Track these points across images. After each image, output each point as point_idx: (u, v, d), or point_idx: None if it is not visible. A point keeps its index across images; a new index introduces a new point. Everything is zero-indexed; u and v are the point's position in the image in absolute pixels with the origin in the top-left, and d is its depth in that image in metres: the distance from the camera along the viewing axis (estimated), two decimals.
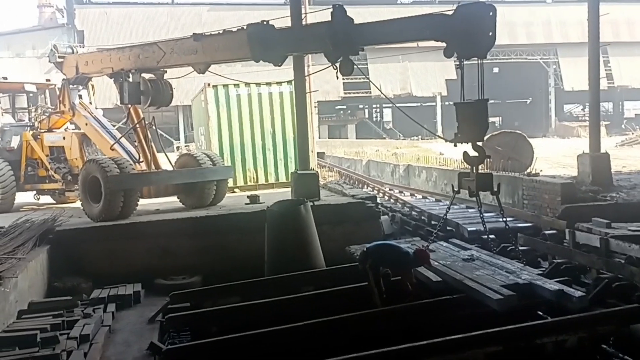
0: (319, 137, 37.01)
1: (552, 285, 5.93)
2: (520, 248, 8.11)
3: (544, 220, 10.84)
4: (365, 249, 6.60)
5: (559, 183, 11.09)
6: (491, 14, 6.56)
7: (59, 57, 11.16)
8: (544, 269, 7.47)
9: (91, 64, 10.70)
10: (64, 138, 11.96)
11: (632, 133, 33.27)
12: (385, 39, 7.92)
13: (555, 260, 7.72)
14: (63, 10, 45.77)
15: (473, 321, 5.67)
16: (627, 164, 17.85)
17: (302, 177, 10.63)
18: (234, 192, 13.38)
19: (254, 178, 14.08)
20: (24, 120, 13.16)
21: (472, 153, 6.94)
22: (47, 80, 13.50)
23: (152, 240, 9.19)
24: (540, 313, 6.14)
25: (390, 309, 6.17)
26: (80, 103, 11.60)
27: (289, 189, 11.24)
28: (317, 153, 22.06)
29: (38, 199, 13.22)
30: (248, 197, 11.11)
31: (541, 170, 14.42)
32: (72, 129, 12.36)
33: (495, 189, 6.97)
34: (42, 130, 12.26)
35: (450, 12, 6.88)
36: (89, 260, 8.85)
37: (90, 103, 11.89)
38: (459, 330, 5.16)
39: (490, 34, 6.59)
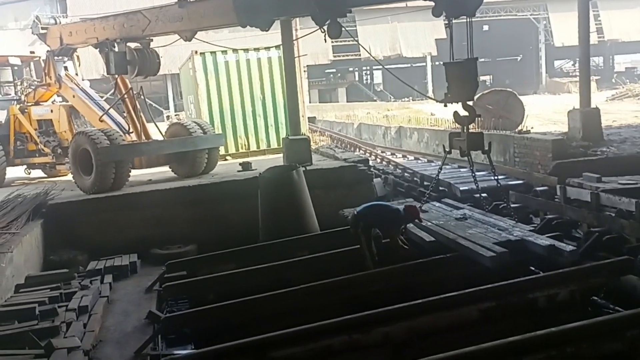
0: (310, 102, 36.78)
1: (543, 240, 6.01)
2: (512, 205, 8.19)
3: (536, 177, 10.92)
4: (355, 213, 6.63)
5: (550, 139, 11.14)
6: None
7: (42, 28, 10.96)
8: (535, 225, 7.56)
9: (75, 35, 10.52)
10: (51, 111, 11.84)
11: (623, 87, 33.18)
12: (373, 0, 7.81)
13: (546, 216, 7.81)
14: None
15: (467, 279, 5.76)
16: (618, 118, 17.89)
17: (293, 142, 10.61)
18: (226, 159, 13.36)
19: (245, 145, 14.05)
20: (9, 94, 12.99)
21: (463, 113, 6.94)
22: (32, 52, 13.29)
23: (146, 210, 9.19)
24: (533, 268, 6.24)
25: (384, 270, 6.25)
26: (66, 75, 11.45)
27: (281, 155, 11.23)
28: (308, 118, 21.94)
29: (29, 173, 13.17)
30: (240, 164, 11.10)
31: (532, 128, 14.45)
32: (60, 102, 12.23)
33: (487, 148, 7.00)
34: (29, 104, 12.13)
35: None
36: (84, 233, 8.87)
37: (77, 74, 11.75)
38: (453, 288, 5.24)
39: None
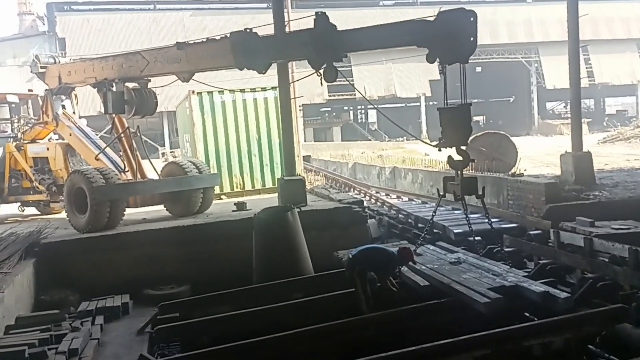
0: (305, 140, 37.08)
1: (538, 287, 6.02)
2: (506, 249, 8.21)
3: (529, 220, 10.96)
4: (350, 256, 6.63)
5: (543, 183, 11.22)
6: (472, 19, 6.62)
7: (41, 67, 11.08)
8: (529, 269, 7.55)
9: (74, 74, 10.64)
10: (47, 149, 11.87)
11: (614, 130, 33.58)
12: (368, 45, 7.97)
13: (540, 261, 7.81)
14: (44, 17, 45.33)
15: (461, 324, 5.73)
16: (609, 162, 18.07)
17: (288, 183, 10.65)
18: (221, 198, 13.36)
19: (240, 184, 14.07)
20: (6, 132, 13.04)
21: (457, 157, 7.01)
22: (30, 90, 13.39)
23: (140, 250, 9.14)
24: (527, 314, 6.22)
25: (379, 315, 6.21)
26: (63, 113, 11.52)
27: (276, 194, 11.25)
28: (303, 156, 22.11)
29: (22, 211, 13.11)
30: (235, 204, 11.10)
31: (525, 170, 14.58)
32: (56, 140, 12.27)
33: (480, 193, 7.05)
34: (26, 141, 12.16)
35: (431, 17, 6.96)
36: (76, 272, 8.79)
37: (74, 113, 11.81)
38: (447, 334, 5.21)
39: (472, 39, 6.65)
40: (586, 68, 43.84)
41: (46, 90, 11.33)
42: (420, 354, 4.94)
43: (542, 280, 6.41)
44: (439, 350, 4.97)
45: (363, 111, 55.32)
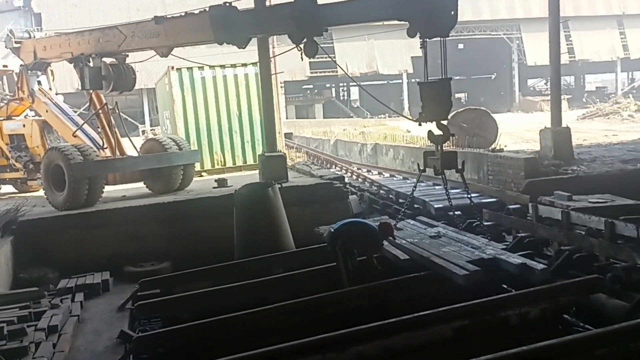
0: (287, 118, 36.92)
1: (515, 259, 6.09)
2: (485, 223, 8.29)
3: (508, 195, 11.08)
4: (332, 230, 6.64)
5: (522, 158, 11.32)
6: None
7: (16, 42, 10.85)
8: (508, 243, 7.65)
9: (50, 49, 10.44)
10: (24, 126, 11.68)
11: (593, 106, 33.88)
12: (349, 19, 7.91)
13: (519, 234, 7.90)
14: None
15: (441, 297, 5.79)
16: (588, 137, 18.27)
17: (269, 159, 10.62)
18: (202, 175, 13.30)
19: (221, 161, 14.01)
20: None
21: (437, 132, 7.02)
22: (4, 66, 13.10)
23: (120, 227, 9.10)
24: (505, 286, 6.31)
25: (359, 288, 6.25)
26: (39, 89, 11.33)
27: (257, 172, 11.22)
28: (285, 134, 22.02)
29: None
30: (216, 180, 11.06)
31: (505, 146, 14.68)
32: (32, 116, 12.07)
33: (460, 167, 7.08)
34: (1, 118, 11.94)
35: None
36: (55, 250, 8.73)
37: (50, 89, 11.64)
38: (427, 306, 5.26)
39: (452, 13, 6.63)
40: (567, 45, 43.99)
41: (21, 65, 11.11)
42: (400, 325, 4.98)
43: (520, 253, 6.49)
44: (418, 322, 5.03)
45: (345, 88, 55.13)
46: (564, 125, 12.94)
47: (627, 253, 6.27)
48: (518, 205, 9.83)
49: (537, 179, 10.68)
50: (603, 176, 10.81)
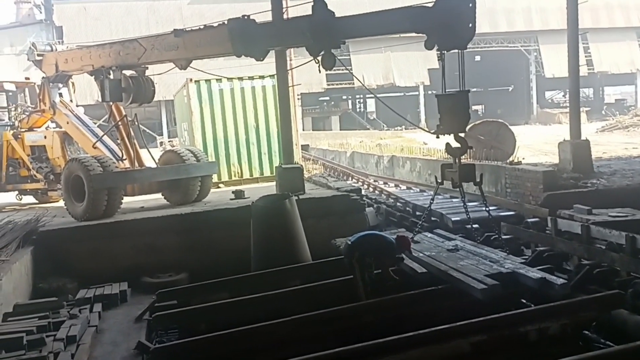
0: (303, 129, 37.00)
1: (534, 273, 6.02)
2: (503, 237, 8.21)
3: (527, 208, 10.97)
4: (349, 242, 6.63)
5: (541, 171, 11.22)
6: (470, 5, 6.58)
7: (38, 55, 11.04)
8: (527, 257, 7.58)
9: (71, 62, 10.60)
10: (45, 137, 11.85)
11: (612, 118, 33.59)
12: (366, 32, 7.94)
13: (538, 248, 7.82)
14: (41, 6, 45.08)
15: (458, 311, 5.74)
16: (608, 150, 18.07)
17: (286, 171, 10.65)
18: (219, 187, 13.36)
19: (238, 173, 14.07)
20: (3, 120, 12.99)
21: (455, 144, 7.00)
22: (27, 78, 13.34)
23: (138, 238, 9.16)
24: (524, 301, 6.23)
25: (376, 302, 6.22)
26: (60, 101, 11.48)
27: (274, 183, 11.25)
28: (301, 145, 22.04)
29: (20, 199, 13.11)
30: (233, 192, 11.10)
31: (523, 158, 14.55)
32: (53, 128, 12.24)
33: (478, 180, 7.04)
34: (23, 130, 12.15)
35: (430, 4, 6.92)
36: (74, 260, 8.81)
37: (71, 101, 11.77)
38: (445, 320, 5.22)
39: (470, 25, 6.62)
40: (585, 57, 43.69)
41: (43, 78, 11.29)
42: (418, 339, 4.95)
43: (539, 267, 6.42)
44: (435, 336, 4.98)
45: (362, 100, 55.18)
46: (583, 137, 12.80)
47: None
48: (537, 219, 9.73)
49: (556, 192, 10.56)
50: (623, 190, 10.67)
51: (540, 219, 9.64)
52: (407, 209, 12.76)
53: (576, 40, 13.05)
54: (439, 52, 6.91)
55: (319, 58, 7.47)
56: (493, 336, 5.10)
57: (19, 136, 12.06)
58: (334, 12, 7.36)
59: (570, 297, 5.76)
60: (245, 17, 8.06)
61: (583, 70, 37.45)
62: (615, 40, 47.15)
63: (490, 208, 8.07)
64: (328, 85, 43.46)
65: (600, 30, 45.18)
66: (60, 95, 11.60)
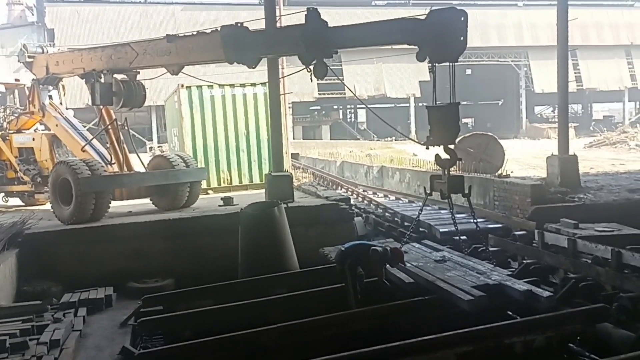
0: (294, 138, 37.02)
1: (521, 285, 6.06)
2: (490, 249, 8.27)
3: (514, 221, 11.04)
4: (342, 249, 6.64)
5: (529, 184, 11.30)
6: (462, 19, 6.65)
7: (29, 56, 11.00)
8: (513, 269, 7.61)
9: (62, 64, 10.57)
10: (33, 139, 11.78)
11: (600, 134, 33.89)
12: (359, 42, 8.00)
13: (524, 261, 7.87)
14: (33, 8, 44.87)
15: (445, 321, 5.75)
16: (595, 165, 18.23)
17: (276, 178, 10.65)
18: (208, 193, 13.32)
19: (227, 179, 14.04)
20: None
21: (444, 155, 7.04)
22: (16, 80, 13.26)
23: (124, 242, 9.10)
24: (510, 313, 6.26)
25: (363, 310, 6.23)
26: (50, 103, 11.44)
27: (263, 191, 11.24)
28: (292, 154, 22.06)
29: (6, 201, 12.99)
30: (222, 198, 11.08)
31: (512, 172, 14.64)
32: (42, 130, 12.17)
33: (467, 192, 7.08)
34: (11, 131, 12.07)
35: (423, 17, 6.98)
36: (60, 264, 8.73)
37: (61, 103, 11.74)
38: (431, 330, 5.24)
39: (462, 38, 6.68)
40: (574, 73, 44.16)
41: (33, 80, 11.24)
42: (404, 349, 4.95)
43: (526, 280, 6.46)
44: (422, 346, 5.00)
45: (352, 110, 55.39)
46: (571, 153, 12.93)
47: (634, 283, 6.23)
48: (524, 232, 9.80)
49: (543, 206, 10.64)
50: (610, 205, 10.76)
51: (528, 232, 9.71)
52: (396, 219, 12.79)
53: (566, 56, 13.20)
54: (430, 64, 6.97)
55: (311, 67, 7.51)
56: (479, 347, 5.12)
57: (7, 138, 11.97)
58: (327, 22, 7.41)
59: (555, 310, 5.80)
60: (239, 25, 8.08)
61: (572, 87, 37.89)
62: (604, 57, 47.76)
63: (478, 220, 8.11)
64: (319, 94, 43.57)
65: (590, 48, 45.74)
66: (50, 97, 11.57)
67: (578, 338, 5.65)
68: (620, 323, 5.66)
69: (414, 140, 9.52)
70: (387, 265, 6.90)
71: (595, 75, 47.85)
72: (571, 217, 9.39)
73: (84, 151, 10.39)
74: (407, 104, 46.57)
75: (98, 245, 9.01)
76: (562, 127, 13.31)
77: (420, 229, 10.98)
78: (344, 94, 42.53)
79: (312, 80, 7.95)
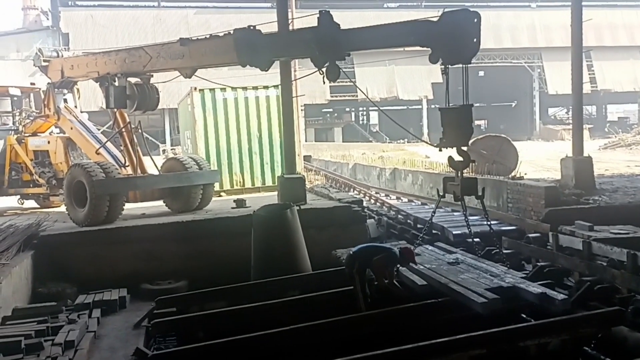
0: (306, 141, 37.07)
1: (535, 288, 6.01)
2: (504, 251, 8.21)
3: (528, 223, 10.96)
4: (351, 253, 6.63)
5: (543, 186, 11.22)
6: (476, 20, 6.64)
7: (44, 60, 11.10)
8: (527, 272, 7.56)
9: (77, 68, 10.66)
10: (48, 142, 11.89)
11: (615, 136, 33.63)
12: (371, 45, 7.98)
13: (538, 263, 7.82)
14: (48, 12, 45.36)
15: (458, 324, 5.72)
16: (610, 167, 18.07)
17: (288, 181, 10.65)
18: (221, 196, 13.37)
19: (240, 182, 14.09)
20: (7, 124, 13.05)
21: (457, 157, 7.01)
22: (32, 83, 13.43)
23: (138, 244, 9.16)
24: (524, 316, 6.22)
25: (375, 313, 6.21)
26: (65, 107, 11.55)
27: (276, 193, 11.25)
28: (304, 156, 22.11)
29: (22, 204, 13.14)
30: (234, 201, 11.11)
31: (525, 174, 14.56)
32: (57, 133, 12.29)
33: (480, 193, 7.04)
34: (27, 134, 12.19)
35: (435, 18, 6.97)
36: (74, 266, 8.80)
37: (76, 107, 11.85)
38: (444, 333, 5.21)
39: (475, 40, 6.66)
40: (589, 74, 43.81)
41: (48, 83, 11.35)
42: (417, 352, 4.94)
43: (540, 282, 6.41)
44: (435, 349, 4.97)
45: (364, 113, 55.35)
46: (585, 154, 12.82)
47: None
48: (538, 234, 9.74)
49: (557, 208, 10.56)
50: (625, 207, 10.66)
51: (542, 234, 9.64)
52: (409, 221, 12.75)
53: (580, 57, 13.10)
54: (442, 66, 6.95)
55: (324, 69, 7.51)
56: (492, 350, 5.09)
57: (23, 141, 12.10)
58: (339, 25, 7.41)
59: (570, 312, 5.75)
60: (251, 28, 8.11)
61: (586, 88, 37.51)
62: (618, 58, 47.31)
63: (492, 222, 8.08)
64: (332, 97, 43.58)
65: (604, 49, 45.31)
66: (65, 101, 11.68)
67: (593, 341, 5.60)
68: (636, 326, 5.60)
69: (426, 142, 9.48)
70: (399, 266, 6.90)
71: (610, 77, 47.42)
72: (586, 219, 9.30)
73: (98, 154, 10.48)
74: (420, 106, 46.44)
75: (112, 247, 9.07)
76: (577, 128, 13.20)
77: (433, 231, 10.95)
78: (356, 96, 42.52)
79: (324, 83, 7.96)
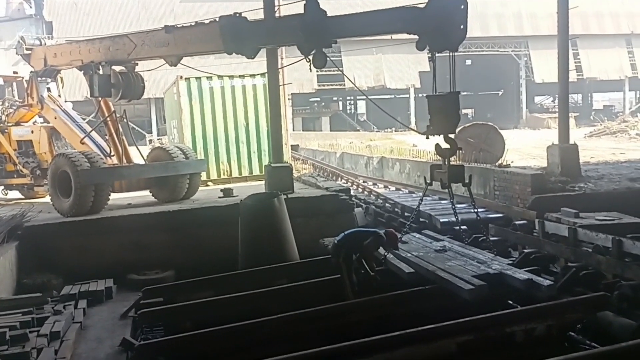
0: (293, 130, 36.97)
1: (521, 274, 6.05)
2: (491, 238, 8.25)
3: (515, 210, 11.02)
4: (336, 242, 6.63)
5: (529, 174, 11.28)
6: (462, 7, 6.59)
7: (27, 49, 10.94)
8: (514, 258, 7.61)
9: (60, 56, 10.51)
10: (32, 132, 11.75)
11: (600, 124, 33.82)
12: (358, 31, 7.94)
13: (525, 250, 7.86)
14: (31, 1, 44.69)
15: (446, 311, 5.74)
16: (595, 155, 18.19)
17: (275, 170, 10.62)
18: (207, 185, 13.30)
19: (227, 171, 14.03)
20: None
21: (444, 145, 7.00)
22: (15, 72, 13.21)
23: (124, 235, 9.09)
24: (511, 302, 6.26)
25: (363, 301, 6.21)
26: (48, 96, 11.39)
27: (263, 182, 11.22)
28: (291, 145, 22.04)
29: (6, 194, 12.98)
30: (221, 190, 11.06)
31: (512, 162, 14.63)
32: (41, 123, 12.13)
33: (467, 181, 7.05)
34: (10, 124, 12.04)
35: (422, 5, 6.93)
36: (59, 256, 8.72)
37: (60, 96, 11.70)
38: (432, 320, 5.22)
39: (462, 27, 6.63)
40: (575, 62, 43.96)
41: (31, 72, 11.19)
42: (404, 339, 4.94)
43: (526, 269, 6.44)
44: (422, 336, 4.98)
45: (352, 102, 55.27)
46: (571, 142, 12.89)
47: (635, 271, 6.22)
48: (524, 221, 9.77)
49: (544, 195, 10.62)
50: (610, 194, 10.75)
51: (528, 222, 9.68)
52: (396, 209, 12.76)
53: (566, 46, 13.13)
54: (429, 54, 6.92)
55: (310, 57, 7.45)
56: (479, 336, 5.11)
57: (6, 131, 11.95)
58: (325, 11, 7.35)
59: (556, 298, 5.79)
60: (237, 15, 8.02)
61: (572, 76, 37.71)
62: (604, 47, 47.57)
63: (479, 210, 8.09)
64: (319, 85, 43.47)
65: (590, 37, 45.50)
66: (49, 90, 11.53)
67: (579, 326, 5.65)
68: (621, 311, 5.65)
69: (414, 130, 9.49)
70: (388, 254, 6.91)
71: (596, 65, 47.69)
72: (572, 206, 9.36)
73: (82, 143, 10.37)
74: (407, 95, 46.47)
75: (98, 238, 9.00)
76: (563, 116, 13.26)
77: (421, 219, 10.95)
78: (344, 85, 42.42)
79: (311, 71, 7.89)
